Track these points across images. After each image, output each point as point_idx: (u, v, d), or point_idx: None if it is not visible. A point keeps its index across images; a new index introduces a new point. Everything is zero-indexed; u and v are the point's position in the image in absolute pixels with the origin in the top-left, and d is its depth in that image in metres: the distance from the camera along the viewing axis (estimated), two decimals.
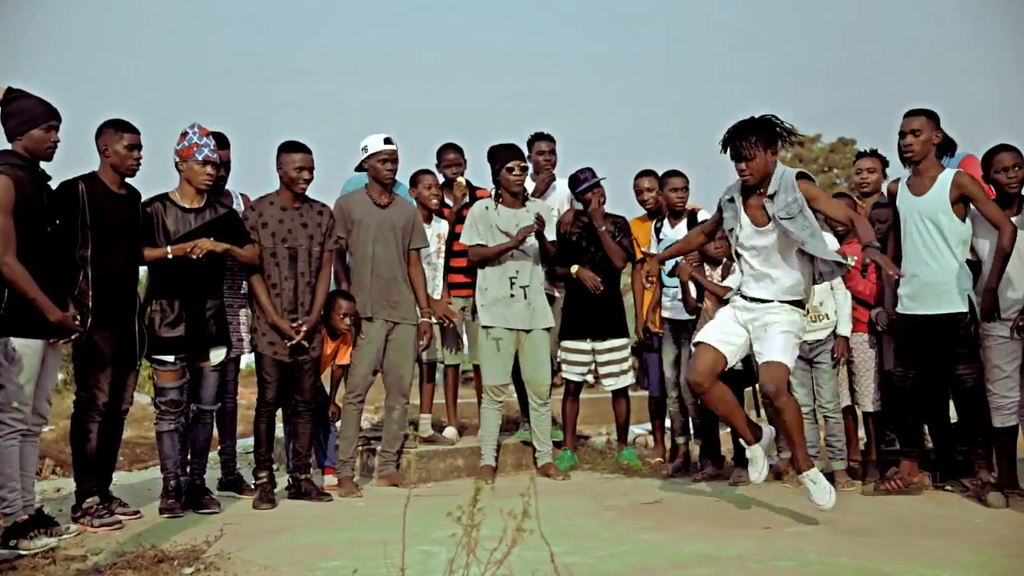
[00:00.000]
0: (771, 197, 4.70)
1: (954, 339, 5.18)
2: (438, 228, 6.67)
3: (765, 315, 4.76)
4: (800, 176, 4.75)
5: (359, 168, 6.15)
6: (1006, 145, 5.26)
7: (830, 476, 5.87)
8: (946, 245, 5.18)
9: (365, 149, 6.01)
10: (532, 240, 6.20)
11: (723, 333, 4.86)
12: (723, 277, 6.08)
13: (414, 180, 6.65)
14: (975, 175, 5.35)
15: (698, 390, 4.89)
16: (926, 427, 5.68)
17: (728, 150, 4.73)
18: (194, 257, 5.07)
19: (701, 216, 6.49)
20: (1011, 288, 5.12)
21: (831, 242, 5.72)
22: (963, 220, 5.19)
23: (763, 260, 4.78)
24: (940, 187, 5.20)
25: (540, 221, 6.13)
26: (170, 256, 5.08)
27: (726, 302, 5.99)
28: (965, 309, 5.13)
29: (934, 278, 5.20)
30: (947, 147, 5.72)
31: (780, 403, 4.66)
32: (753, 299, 4.82)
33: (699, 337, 4.95)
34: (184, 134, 5.20)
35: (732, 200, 4.86)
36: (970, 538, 4.33)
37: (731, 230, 4.88)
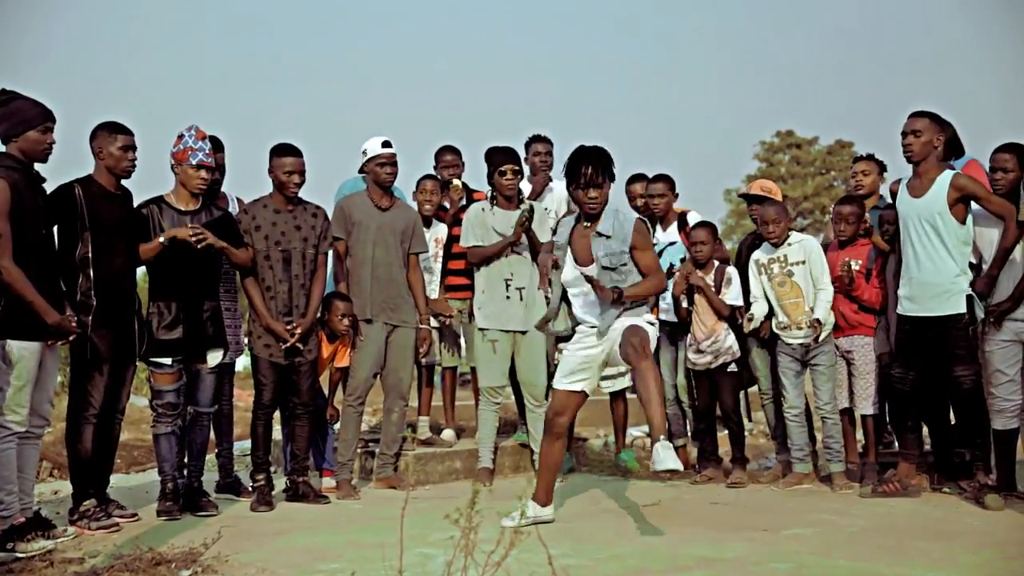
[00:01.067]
0: (601, 235, 4.64)
1: (952, 340, 5.19)
2: (436, 233, 6.67)
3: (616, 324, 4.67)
4: (637, 220, 4.69)
5: (361, 171, 6.16)
6: (1008, 145, 5.27)
7: (827, 478, 5.89)
8: (944, 247, 5.19)
9: (364, 152, 6.03)
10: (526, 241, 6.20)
11: (575, 371, 4.79)
12: (717, 281, 6.10)
13: (417, 184, 6.65)
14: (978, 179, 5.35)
15: (555, 428, 4.86)
16: (925, 429, 5.69)
17: (579, 176, 4.61)
18: (194, 240, 5.05)
19: (691, 218, 6.51)
20: (1004, 282, 5.14)
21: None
22: (962, 222, 5.19)
23: (591, 299, 4.71)
24: (938, 189, 5.21)
25: (527, 214, 6.08)
26: (163, 242, 5.06)
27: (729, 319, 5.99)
28: (963, 310, 5.14)
29: (932, 280, 5.21)
30: (955, 150, 5.74)
31: (644, 365, 4.53)
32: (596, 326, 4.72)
33: (554, 384, 4.88)
34: (180, 136, 5.19)
35: (564, 242, 4.79)
36: (968, 540, 4.33)
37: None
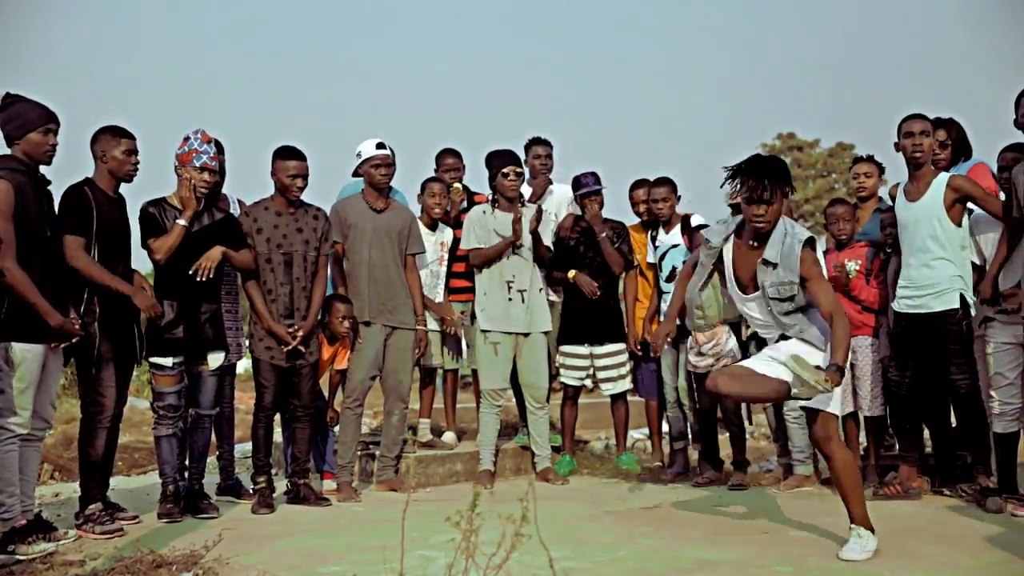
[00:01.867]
0: (767, 263, 4.19)
1: (947, 337, 5.19)
2: (442, 236, 6.65)
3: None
4: (806, 244, 4.18)
5: (355, 174, 6.17)
6: (1016, 145, 5.28)
7: (828, 481, 5.88)
8: (942, 250, 5.20)
9: (359, 155, 6.04)
10: (530, 242, 6.21)
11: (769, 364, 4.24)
12: None
13: (423, 187, 6.65)
14: (984, 183, 5.36)
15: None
16: (927, 432, 5.69)
17: (747, 189, 4.13)
18: (198, 278, 5.09)
19: (694, 221, 6.50)
20: (1007, 279, 5.13)
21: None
22: (959, 224, 5.20)
23: (760, 318, 4.32)
24: (935, 191, 5.22)
25: (538, 214, 6.12)
26: (182, 223, 5.08)
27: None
28: (957, 306, 5.15)
29: (929, 282, 5.22)
30: (963, 151, 5.74)
31: (828, 450, 4.21)
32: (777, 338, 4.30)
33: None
34: (186, 139, 5.20)
35: (717, 248, 4.38)
36: (969, 543, 4.33)
37: (718, 273, 4.41)
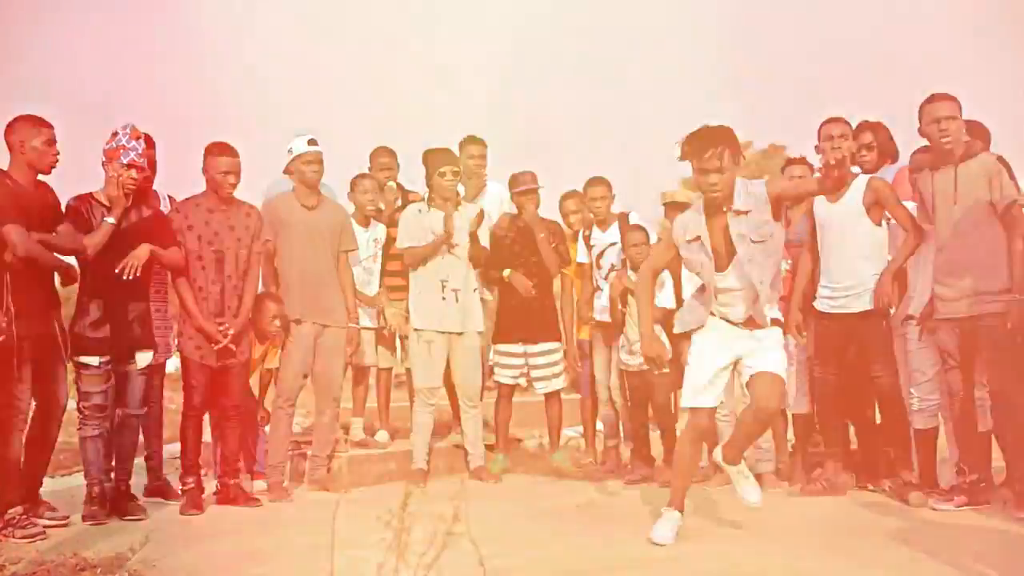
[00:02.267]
0: (737, 213, 4.26)
1: (869, 336, 5.32)
2: (375, 233, 6.63)
3: (758, 338, 4.40)
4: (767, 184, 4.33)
5: (287, 171, 6.11)
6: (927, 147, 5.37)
7: (757, 478, 5.97)
8: (861, 250, 5.32)
9: (290, 151, 5.99)
10: (464, 241, 6.20)
11: (713, 384, 4.45)
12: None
13: (353, 184, 6.61)
14: (904, 189, 5.47)
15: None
16: (852, 428, 5.81)
17: (698, 160, 4.21)
18: (127, 276, 4.99)
19: (632, 219, 6.53)
20: (918, 285, 5.26)
21: None
22: (879, 224, 5.33)
23: (735, 296, 4.38)
24: (854, 192, 5.35)
25: (479, 217, 6.17)
26: (111, 222, 4.98)
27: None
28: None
29: (850, 281, 5.34)
30: (890, 154, 5.85)
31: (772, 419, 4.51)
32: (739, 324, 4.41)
33: (692, 402, 4.49)
34: (115, 134, 5.10)
35: (697, 239, 4.37)
36: (891, 537, 4.43)
37: (698, 272, 4.47)
